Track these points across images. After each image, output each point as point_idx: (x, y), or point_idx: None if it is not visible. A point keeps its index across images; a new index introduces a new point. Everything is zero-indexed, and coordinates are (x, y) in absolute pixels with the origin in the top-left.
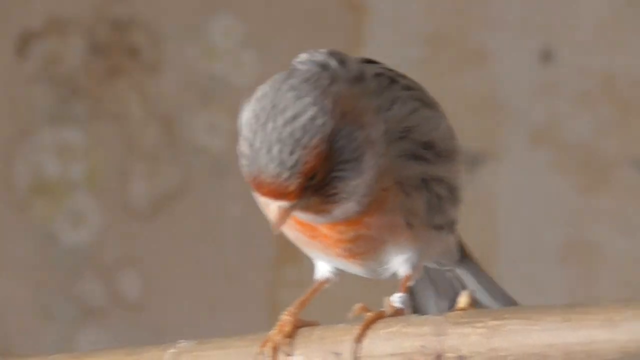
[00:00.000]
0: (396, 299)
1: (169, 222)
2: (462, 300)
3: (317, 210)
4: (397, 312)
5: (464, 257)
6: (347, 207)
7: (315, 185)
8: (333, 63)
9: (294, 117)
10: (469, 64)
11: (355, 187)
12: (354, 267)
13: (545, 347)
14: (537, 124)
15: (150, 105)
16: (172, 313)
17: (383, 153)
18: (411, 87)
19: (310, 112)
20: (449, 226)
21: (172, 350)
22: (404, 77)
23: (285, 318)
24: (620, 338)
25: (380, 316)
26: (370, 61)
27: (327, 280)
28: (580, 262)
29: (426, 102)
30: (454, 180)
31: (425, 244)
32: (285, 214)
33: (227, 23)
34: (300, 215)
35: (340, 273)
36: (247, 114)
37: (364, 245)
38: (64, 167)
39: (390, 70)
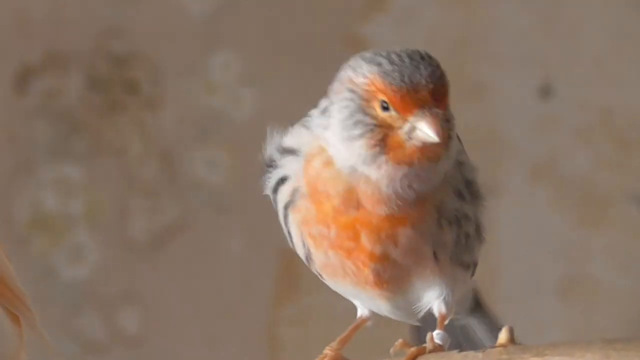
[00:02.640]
0: (436, 336)
1: (169, 258)
2: (503, 336)
3: (400, 154)
4: (437, 349)
5: (478, 305)
6: (436, 168)
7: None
8: None
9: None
10: (468, 99)
11: (452, 140)
12: (382, 303)
13: None
14: (536, 159)
15: (150, 141)
16: (171, 349)
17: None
18: None
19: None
20: (474, 267)
21: None
22: None
23: (327, 352)
24: None
25: (421, 352)
26: None
27: (368, 318)
28: (580, 297)
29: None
30: (480, 219)
31: (452, 281)
32: (439, 122)
33: (227, 59)
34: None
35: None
36: (372, 57)
37: (390, 270)
38: (64, 202)
39: None
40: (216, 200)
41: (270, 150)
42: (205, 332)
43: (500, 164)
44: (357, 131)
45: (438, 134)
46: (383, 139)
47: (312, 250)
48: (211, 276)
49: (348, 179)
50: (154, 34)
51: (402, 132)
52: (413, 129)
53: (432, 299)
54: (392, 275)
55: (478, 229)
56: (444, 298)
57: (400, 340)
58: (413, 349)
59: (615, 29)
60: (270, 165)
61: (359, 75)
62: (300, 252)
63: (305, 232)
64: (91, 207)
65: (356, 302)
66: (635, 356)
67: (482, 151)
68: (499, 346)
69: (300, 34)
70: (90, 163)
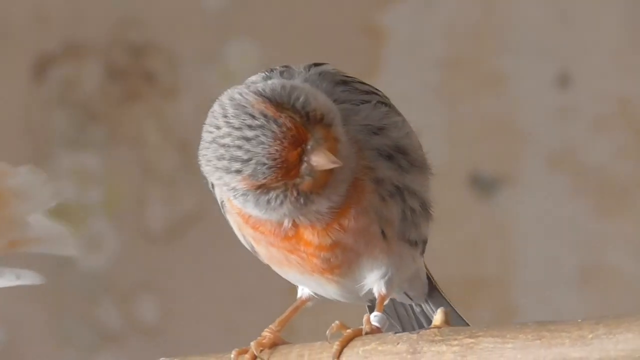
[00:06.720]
0: (373, 318)
1: (186, 247)
2: (438, 317)
3: (318, 184)
4: (375, 331)
5: (432, 289)
6: (332, 190)
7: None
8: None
9: (299, 87)
10: (486, 89)
11: (346, 157)
12: (330, 288)
13: None
14: (554, 148)
15: (167, 130)
16: (189, 337)
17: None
18: (373, 92)
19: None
20: (422, 245)
21: None
22: (363, 83)
23: (266, 334)
24: (592, 356)
25: (358, 334)
26: (317, 64)
27: (308, 299)
28: (598, 286)
29: (393, 108)
30: (425, 194)
31: (399, 260)
32: (325, 150)
33: (244, 47)
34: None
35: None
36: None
37: (341, 256)
38: (81, 191)
39: (346, 75)
40: None
41: None
42: (222, 320)
43: (518, 153)
44: None
45: (331, 162)
46: None
47: (255, 245)
48: (228, 264)
49: None
50: (171, 24)
51: None
52: None
53: (376, 280)
54: (343, 260)
55: (423, 204)
56: (388, 279)
57: (337, 322)
58: (349, 331)
59: (632, 19)
60: None
61: None
62: (245, 244)
63: (242, 232)
64: (109, 197)
65: (303, 287)
66: (565, 337)
67: (500, 141)
68: (433, 328)
69: (318, 22)
70: (108, 152)
